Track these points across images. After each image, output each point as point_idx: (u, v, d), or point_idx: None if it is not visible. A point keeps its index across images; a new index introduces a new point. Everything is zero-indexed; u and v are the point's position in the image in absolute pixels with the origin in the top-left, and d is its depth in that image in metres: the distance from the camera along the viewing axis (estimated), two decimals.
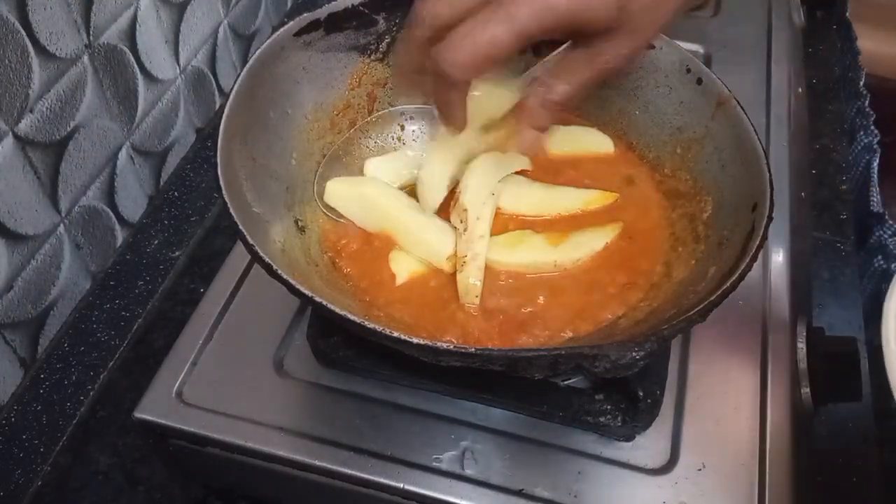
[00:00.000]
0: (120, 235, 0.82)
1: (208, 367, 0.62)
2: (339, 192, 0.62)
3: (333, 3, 0.64)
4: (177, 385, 0.60)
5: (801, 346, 0.64)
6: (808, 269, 0.79)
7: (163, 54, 0.82)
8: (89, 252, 0.77)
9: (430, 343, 0.45)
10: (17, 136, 0.64)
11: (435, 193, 0.62)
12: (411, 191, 0.64)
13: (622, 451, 0.57)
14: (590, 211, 0.63)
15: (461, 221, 0.59)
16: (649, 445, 0.58)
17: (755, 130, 0.57)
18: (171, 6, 0.82)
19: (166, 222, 0.85)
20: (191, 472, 0.65)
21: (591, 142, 0.69)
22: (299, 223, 0.60)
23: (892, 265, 0.80)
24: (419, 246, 0.60)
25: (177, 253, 0.83)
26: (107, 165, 0.77)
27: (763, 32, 0.95)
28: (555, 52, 0.66)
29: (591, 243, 0.60)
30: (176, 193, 0.88)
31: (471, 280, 0.56)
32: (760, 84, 0.87)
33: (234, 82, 0.57)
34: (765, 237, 0.50)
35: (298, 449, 0.57)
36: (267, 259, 0.47)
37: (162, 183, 0.88)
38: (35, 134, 0.66)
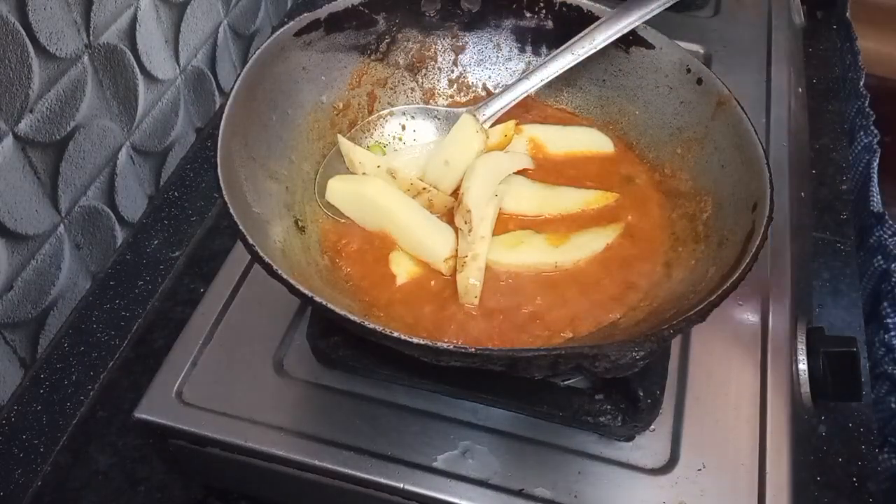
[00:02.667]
0: (120, 235, 0.82)
1: (208, 367, 0.62)
2: (341, 190, 0.62)
3: (333, 3, 0.64)
4: (177, 385, 0.60)
5: (801, 346, 0.64)
6: (808, 269, 0.79)
7: (163, 54, 0.82)
8: (89, 252, 0.77)
9: (430, 343, 0.45)
10: (17, 136, 0.64)
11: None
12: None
13: (622, 451, 0.57)
14: (590, 211, 0.63)
15: (465, 223, 0.59)
16: (649, 445, 0.58)
17: (755, 130, 0.57)
18: (171, 6, 0.82)
19: (166, 222, 0.85)
20: (191, 472, 0.65)
21: (591, 142, 0.69)
22: (299, 223, 0.60)
23: (892, 265, 0.80)
24: (418, 247, 0.60)
25: (177, 253, 0.82)
26: (107, 165, 0.77)
27: (763, 32, 0.95)
28: (554, 52, 0.67)
29: (592, 244, 0.60)
30: (176, 193, 0.88)
31: (470, 280, 0.56)
32: (760, 84, 0.87)
33: (234, 82, 0.57)
34: (765, 237, 0.50)
35: (298, 449, 0.57)
36: (267, 259, 0.47)
37: (162, 183, 0.88)
38: (35, 134, 0.66)
